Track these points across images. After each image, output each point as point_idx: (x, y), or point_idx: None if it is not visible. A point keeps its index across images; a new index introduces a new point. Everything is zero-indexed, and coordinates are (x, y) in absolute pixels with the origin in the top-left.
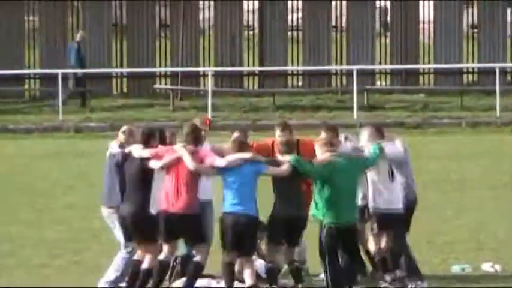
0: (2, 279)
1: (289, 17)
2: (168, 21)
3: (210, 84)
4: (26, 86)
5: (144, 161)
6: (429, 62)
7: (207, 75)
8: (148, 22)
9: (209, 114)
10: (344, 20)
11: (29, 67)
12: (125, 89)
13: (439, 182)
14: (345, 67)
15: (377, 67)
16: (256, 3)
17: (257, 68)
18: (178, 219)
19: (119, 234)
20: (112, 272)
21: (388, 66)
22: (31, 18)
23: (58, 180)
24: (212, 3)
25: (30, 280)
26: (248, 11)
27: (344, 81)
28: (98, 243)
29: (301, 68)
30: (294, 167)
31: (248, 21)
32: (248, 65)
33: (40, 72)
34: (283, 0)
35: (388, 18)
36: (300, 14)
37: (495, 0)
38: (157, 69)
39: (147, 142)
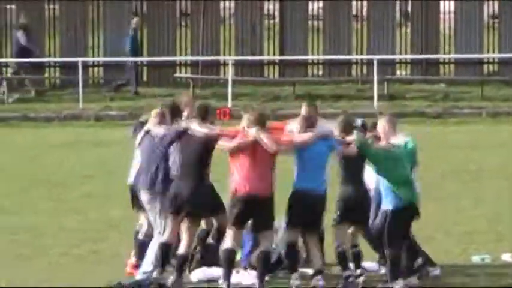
0: (22, 268)
1: (310, 6)
2: (189, 10)
3: (230, 73)
4: (46, 75)
5: (209, 137)
6: (450, 52)
7: (228, 64)
8: (169, 11)
9: (229, 103)
10: (365, 9)
11: (49, 55)
12: (145, 78)
13: (459, 172)
14: (365, 57)
15: (397, 57)
16: None
17: (277, 57)
18: (257, 202)
19: (158, 221)
20: (148, 264)
21: (409, 56)
22: (51, 6)
23: (76, 170)
24: None
25: (50, 269)
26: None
27: (364, 71)
28: (117, 233)
29: (321, 57)
30: (358, 147)
31: (269, 10)
32: (268, 54)
33: (60, 61)
34: None
35: (409, 8)
36: (320, 4)
37: None
38: (177, 58)
39: (204, 117)
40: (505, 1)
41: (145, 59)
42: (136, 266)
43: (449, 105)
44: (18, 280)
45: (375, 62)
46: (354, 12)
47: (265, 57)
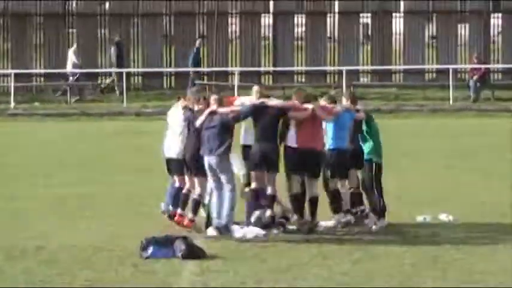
0: (80, 228)
1: (295, 30)
2: (205, 33)
3: (236, 80)
4: (99, 81)
5: (281, 110)
6: (400, 64)
7: (234, 74)
8: (190, 33)
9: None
10: (336, 32)
11: (101, 67)
12: (173, 84)
13: (407, 153)
14: (336, 68)
15: (360, 68)
16: (271, 19)
17: (271, 68)
18: (316, 155)
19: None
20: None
21: (369, 67)
22: (103, 30)
23: (124, 151)
24: (238, 19)
25: (102, 226)
26: (264, 26)
27: (336, 78)
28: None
29: (304, 68)
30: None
31: (265, 33)
32: (265, 66)
33: (111, 71)
34: (291, 18)
35: (369, 31)
36: (303, 28)
37: (449, 18)
38: (197, 69)
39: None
40: (441, 25)
41: (173, 69)
42: (192, 221)
43: (399, 104)
44: (81, 236)
45: (344, 72)
46: (328, 35)
47: (262, 68)
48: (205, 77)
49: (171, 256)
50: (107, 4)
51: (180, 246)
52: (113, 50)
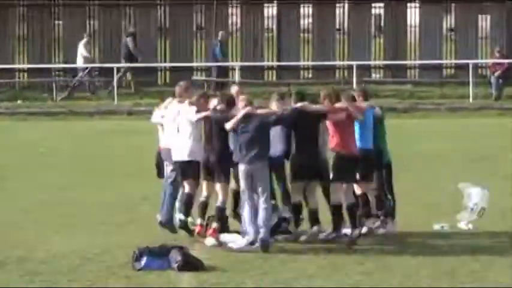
0: (67, 236)
1: (301, 21)
2: (203, 25)
3: (237, 76)
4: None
5: (323, 115)
6: (415, 59)
7: (235, 69)
8: (187, 25)
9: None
10: (346, 24)
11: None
12: (168, 80)
13: (423, 155)
14: (346, 62)
15: (372, 63)
16: (275, 10)
17: (275, 63)
18: (357, 158)
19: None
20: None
21: (382, 62)
22: (91, 21)
23: (116, 153)
24: (239, 10)
25: (90, 234)
26: (268, 17)
27: (346, 74)
28: (149, 205)
29: (311, 63)
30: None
31: (268, 25)
32: (268, 61)
33: (99, 66)
34: (296, 8)
35: (382, 23)
36: (310, 20)
37: (469, 8)
38: (194, 64)
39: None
40: (460, 16)
41: (168, 64)
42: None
43: (414, 102)
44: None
45: (354, 67)
46: (337, 27)
47: (265, 63)
48: (204, 73)
49: (166, 267)
50: None
51: (175, 257)
52: (129, 40)
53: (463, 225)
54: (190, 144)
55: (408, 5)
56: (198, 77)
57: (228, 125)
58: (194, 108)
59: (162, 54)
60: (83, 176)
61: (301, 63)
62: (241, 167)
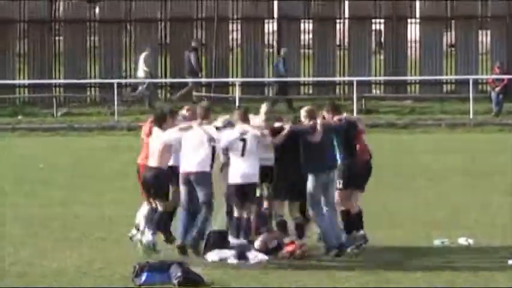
0: (66, 251)
1: (302, 37)
2: (204, 41)
3: (237, 92)
4: (88, 93)
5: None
6: (415, 74)
7: (235, 85)
8: (187, 41)
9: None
10: (346, 40)
11: (90, 77)
12: (168, 96)
13: (424, 172)
14: (346, 78)
15: (373, 78)
16: (275, 26)
17: (276, 79)
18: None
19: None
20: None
21: (382, 78)
22: (92, 38)
23: (115, 169)
24: (239, 26)
25: (89, 249)
26: (268, 32)
27: (346, 90)
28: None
29: (311, 79)
30: None
31: (268, 41)
32: (268, 77)
33: (100, 82)
34: (297, 24)
35: (382, 39)
36: (310, 35)
37: (469, 24)
38: (195, 80)
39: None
40: (461, 31)
41: (169, 80)
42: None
43: (415, 118)
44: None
45: (355, 83)
46: (337, 43)
47: (265, 79)
48: (204, 89)
49: (167, 282)
50: (97, 9)
51: (176, 272)
52: (192, 56)
53: (463, 241)
54: (257, 166)
55: (409, 20)
56: (198, 93)
57: (276, 140)
58: (266, 129)
59: (162, 71)
60: (82, 191)
61: (302, 78)
62: (319, 178)
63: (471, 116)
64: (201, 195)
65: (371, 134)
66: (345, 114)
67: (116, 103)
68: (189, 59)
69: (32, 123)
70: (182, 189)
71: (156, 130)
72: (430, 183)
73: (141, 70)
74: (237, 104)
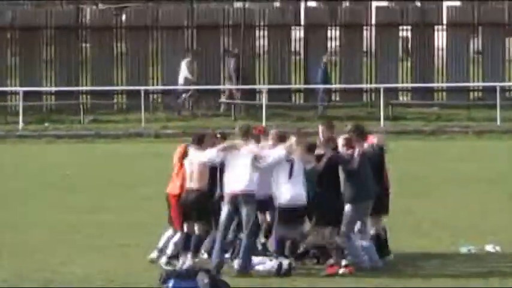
0: (92, 258)
1: (329, 44)
2: (231, 47)
3: (264, 99)
4: (115, 100)
5: None
6: (442, 81)
7: (262, 92)
8: (214, 48)
9: (263, 124)
10: (373, 47)
11: (117, 84)
12: (191, 103)
13: (450, 179)
14: (373, 85)
15: (400, 85)
16: (302, 33)
17: (302, 86)
18: None
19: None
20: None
21: (409, 85)
22: (119, 44)
23: (141, 176)
24: (266, 33)
25: (115, 256)
26: (295, 39)
27: (373, 97)
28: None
29: (338, 86)
30: None
31: (295, 48)
32: (295, 84)
33: (127, 89)
34: (324, 31)
35: (409, 45)
36: (337, 42)
37: (496, 31)
38: (221, 87)
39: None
40: (487, 38)
41: (196, 87)
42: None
43: (441, 124)
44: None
45: (382, 90)
46: (364, 49)
47: (292, 86)
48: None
49: None
50: (123, 16)
51: (203, 279)
52: (232, 62)
53: (490, 248)
54: (303, 189)
55: (435, 27)
56: (225, 99)
57: (355, 164)
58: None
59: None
60: (108, 198)
61: (329, 86)
62: (366, 204)
63: (498, 123)
64: (247, 215)
65: (398, 141)
66: (372, 138)
67: (143, 109)
68: (229, 65)
69: (58, 130)
70: (225, 209)
71: (192, 151)
72: (456, 190)
73: (182, 76)
74: (264, 111)
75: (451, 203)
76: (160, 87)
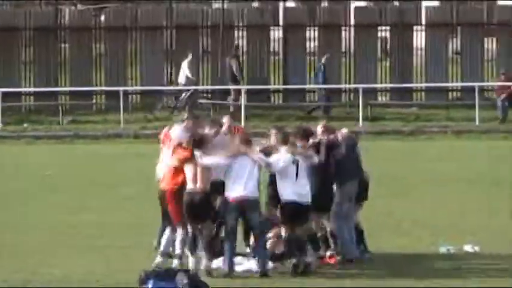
0: (71, 259)
1: (307, 44)
2: (209, 48)
3: (243, 99)
4: (94, 101)
5: None
6: (421, 81)
7: (241, 92)
8: (193, 48)
9: (242, 124)
10: (352, 47)
11: (96, 85)
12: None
13: (429, 179)
14: (352, 85)
15: (378, 86)
16: (281, 33)
17: (281, 86)
18: None
19: None
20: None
21: (388, 85)
22: (98, 45)
23: (123, 176)
24: (245, 33)
25: (95, 259)
26: (274, 39)
27: (352, 97)
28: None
29: (316, 86)
30: None
31: (274, 48)
32: (274, 84)
33: (105, 90)
34: (303, 31)
35: (388, 46)
36: (316, 43)
37: (474, 31)
38: (201, 87)
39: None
40: (466, 38)
41: (170, 88)
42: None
43: (420, 125)
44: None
45: (360, 90)
46: (343, 49)
47: (271, 86)
48: (209, 96)
49: None
50: (102, 16)
51: (182, 280)
52: (233, 62)
53: (469, 248)
54: (308, 187)
55: (414, 28)
56: (204, 100)
57: (321, 157)
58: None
59: (167, 77)
60: (88, 199)
61: (307, 86)
62: (351, 188)
63: (477, 123)
64: (255, 221)
65: (377, 142)
66: (343, 130)
67: (122, 110)
68: (230, 65)
69: (37, 131)
70: (231, 215)
71: (196, 153)
72: (435, 189)
73: (183, 75)
74: (242, 111)
75: (430, 202)
76: (139, 87)
